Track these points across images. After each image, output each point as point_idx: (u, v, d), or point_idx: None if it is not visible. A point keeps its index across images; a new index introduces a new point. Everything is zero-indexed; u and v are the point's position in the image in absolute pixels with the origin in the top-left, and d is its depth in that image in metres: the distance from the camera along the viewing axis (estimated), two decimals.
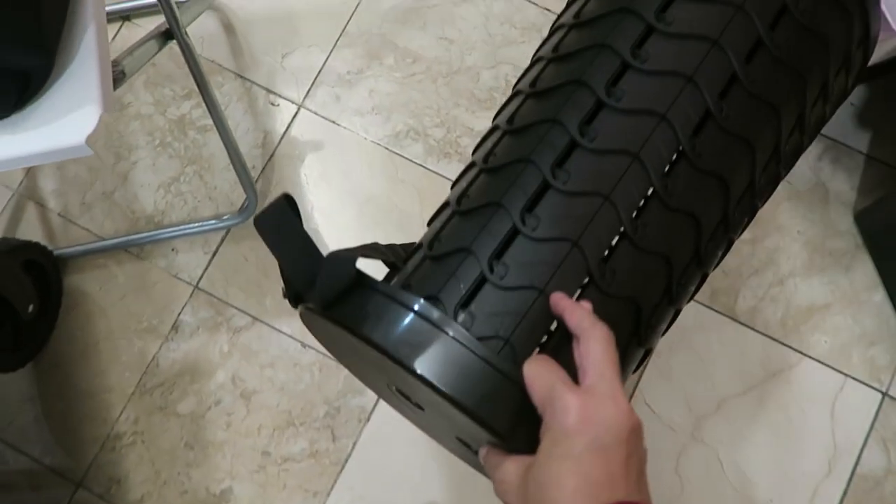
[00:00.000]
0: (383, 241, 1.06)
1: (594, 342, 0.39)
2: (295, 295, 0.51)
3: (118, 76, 0.66)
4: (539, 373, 0.39)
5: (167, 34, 0.81)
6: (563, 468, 0.35)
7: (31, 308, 0.96)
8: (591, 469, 0.34)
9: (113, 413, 1.03)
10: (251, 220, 1.06)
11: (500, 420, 0.39)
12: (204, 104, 0.93)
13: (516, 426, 0.39)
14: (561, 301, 0.42)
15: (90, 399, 1.03)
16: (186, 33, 0.82)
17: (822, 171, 1.08)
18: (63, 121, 0.60)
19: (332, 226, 1.07)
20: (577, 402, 0.36)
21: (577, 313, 0.40)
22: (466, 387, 0.39)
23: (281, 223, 0.46)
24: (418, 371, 0.40)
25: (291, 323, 1.04)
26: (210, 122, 1.11)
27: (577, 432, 0.35)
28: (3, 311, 0.94)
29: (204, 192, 1.09)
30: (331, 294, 0.46)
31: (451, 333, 0.41)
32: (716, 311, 1.04)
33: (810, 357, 1.02)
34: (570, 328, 0.41)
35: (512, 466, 0.39)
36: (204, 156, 1.10)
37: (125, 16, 1.15)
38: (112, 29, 1.15)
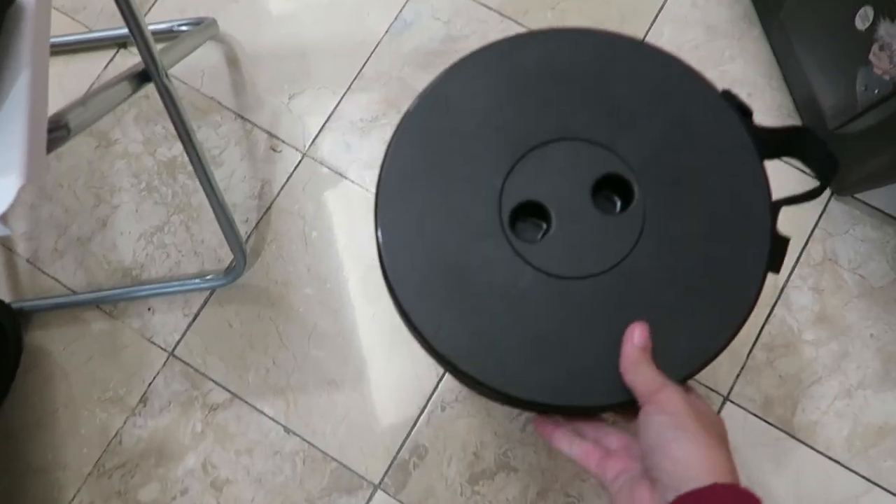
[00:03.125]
0: (385, 318, 0.93)
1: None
2: None
3: (59, 136, 0.53)
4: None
5: (143, 75, 0.69)
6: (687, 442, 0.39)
7: None
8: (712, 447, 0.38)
9: (65, 494, 0.90)
10: (238, 281, 0.94)
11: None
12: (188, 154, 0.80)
13: None
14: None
15: (41, 476, 0.90)
16: (167, 75, 0.70)
17: None
18: None
19: (331, 294, 0.94)
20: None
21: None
22: None
23: None
24: None
25: (275, 403, 0.91)
26: None
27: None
28: None
29: (189, 246, 0.97)
30: None
31: None
32: (769, 423, 0.88)
33: (881, 487, 0.86)
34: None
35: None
36: (193, 204, 0.98)
37: (121, 43, 1.03)
38: (105, 56, 1.04)
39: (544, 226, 0.48)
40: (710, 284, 0.45)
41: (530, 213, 0.48)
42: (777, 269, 0.47)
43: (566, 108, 0.49)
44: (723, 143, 0.48)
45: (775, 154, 0.51)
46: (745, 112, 0.50)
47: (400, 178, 0.48)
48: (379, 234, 0.47)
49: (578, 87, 0.49)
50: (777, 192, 0.51)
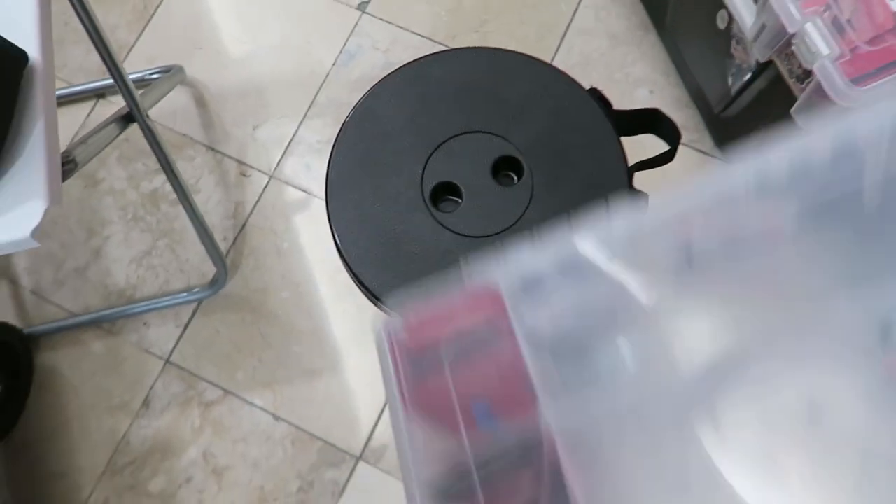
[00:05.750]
0: (354, 312, 1.07)
1: None
2: None
3: (69, 168, 0.66)
4: None
5: (128, 117, 0.82)
6: None
7: None
8: None
9: (83, 494, 1.01)
10: (221, 292, 1.07)
11: None
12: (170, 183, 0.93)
13: None
14: None
15: (60, 480, 1.02)
16: (148, 116, 0.84)
17: None
18: (9, 215, 0.61)
19: (305, 296, 1.07)
20: None
21: None
22: None
23: None
24: None
25: (263, 395, 1.03)
26: None
27: None
28: None
29: (175, 265, 1.10)
30: None
31: None
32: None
33: None
34: None
35: None
36: (176, 228, 1.11)
37: (99, 93, 1.17)
38: (86, 108, 1.17)
39: (459, 200, 0.62)
40: None
41: (447, 191, 0.62)
42: None
43: (469, 109, 0.63)
44: (588, 127, 0.63)
45: (635, 131, 0.66)
46: (606, 103, 0.65)
47: (342, 175, 0.62)
48: (331, 220, 0.61)
49: (478, 92, 0.64)
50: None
